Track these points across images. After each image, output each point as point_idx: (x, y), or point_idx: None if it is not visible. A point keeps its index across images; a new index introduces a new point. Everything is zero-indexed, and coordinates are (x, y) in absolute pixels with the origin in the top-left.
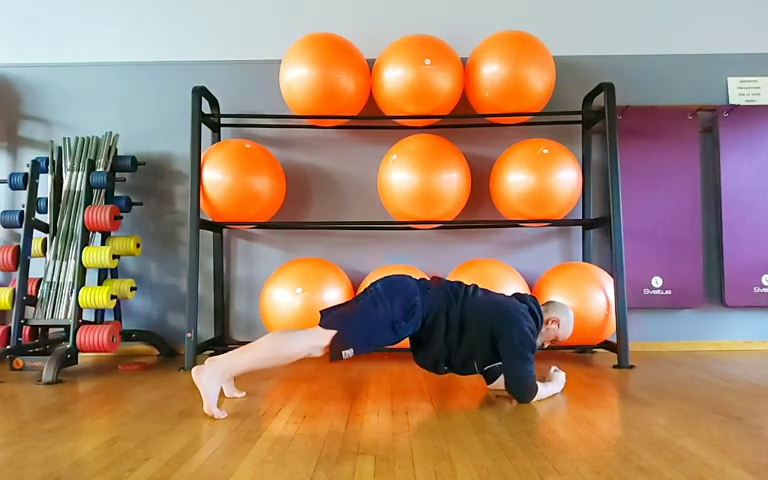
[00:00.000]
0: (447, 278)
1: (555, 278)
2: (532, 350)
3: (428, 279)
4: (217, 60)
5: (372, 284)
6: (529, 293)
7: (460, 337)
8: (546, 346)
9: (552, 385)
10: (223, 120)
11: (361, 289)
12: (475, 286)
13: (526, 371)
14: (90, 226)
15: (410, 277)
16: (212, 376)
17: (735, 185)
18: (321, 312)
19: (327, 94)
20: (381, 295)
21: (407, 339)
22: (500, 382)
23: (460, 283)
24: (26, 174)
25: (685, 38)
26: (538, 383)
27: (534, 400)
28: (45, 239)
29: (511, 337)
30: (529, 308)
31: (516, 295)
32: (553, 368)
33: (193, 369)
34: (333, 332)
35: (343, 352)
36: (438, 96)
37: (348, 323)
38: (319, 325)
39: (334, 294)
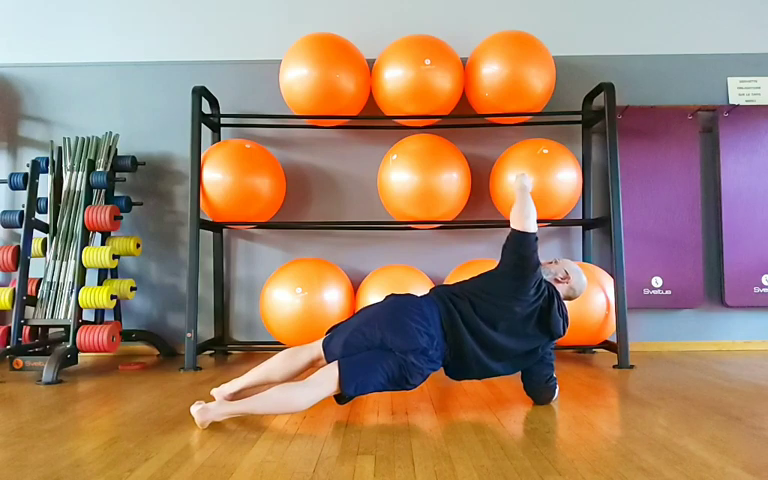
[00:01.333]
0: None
1: None
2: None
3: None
4: (217, 60)
5: (403, 353)
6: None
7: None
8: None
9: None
10: (223, 120)
11: (363, 295)
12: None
13: (550, 376)
14: (90, 226)
15: (431, 331)
16: (212, 419)
17: (735, 185)
18: (339, 362)
19: (327, 94)
20: (408, 369)
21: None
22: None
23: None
24: (26, 174)
25: (685, 38)
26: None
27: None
28: (45, 239)
29: (546, 354)
30: (559, 306)
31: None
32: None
33: (196, 411)
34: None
35: (361, 394)
36: (438, 96)
37: (363, 370)
38: (338, 368)
39: (334, 294)
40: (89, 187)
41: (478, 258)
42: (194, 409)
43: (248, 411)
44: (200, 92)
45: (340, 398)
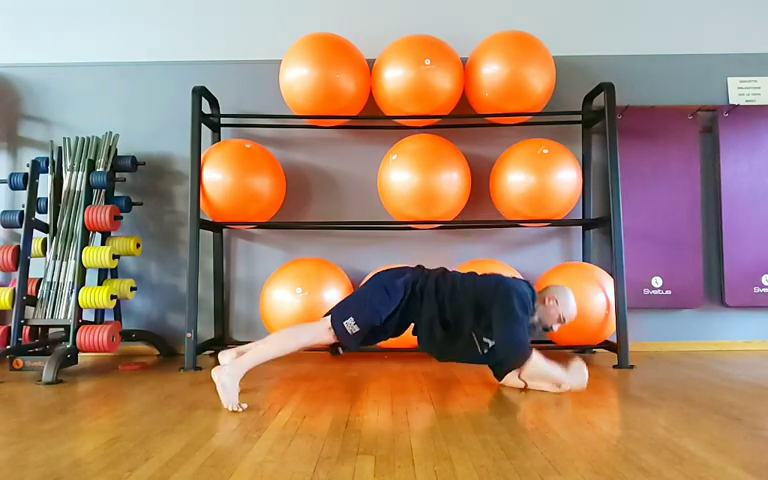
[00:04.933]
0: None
1: (555, 278)
2: (525, 310)
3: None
4: (217, 60)
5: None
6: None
7: (452, 293)
8: (554, 327)
9: (564, 372)
10: (223, 120)
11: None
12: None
13: (516, 332)
14: (90, 226)
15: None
16: (232, 375)
17: (735, 185)
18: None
19: (327, 94)
20: (372, 278)
21: (410, 332)
22: (513, 381)
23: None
24: (26, 174)
25: (685, 38)
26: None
27: (533, 370)
28: (45, 239)
29: (503, 302)
30: (522, 282)
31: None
32: (576, 361)
33: (213, 370)
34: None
35: (344, 322)
36: (438, 96)
37: (345, 302)
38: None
39: (334, 294)
40: (89, 187)
41: (478, 258)
42: (213, 373)
43: (252, 357)
44: (200, 92)
45: (337, 325)
